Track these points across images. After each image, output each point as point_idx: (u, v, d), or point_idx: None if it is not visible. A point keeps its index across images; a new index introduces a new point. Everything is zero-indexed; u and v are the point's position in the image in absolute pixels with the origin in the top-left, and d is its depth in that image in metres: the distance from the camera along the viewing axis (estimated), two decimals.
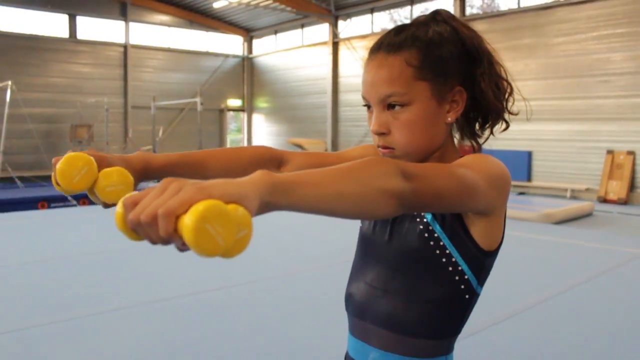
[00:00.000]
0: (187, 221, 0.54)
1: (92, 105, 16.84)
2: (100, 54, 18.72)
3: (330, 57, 18.45)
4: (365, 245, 1.13)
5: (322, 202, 0.68)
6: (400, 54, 0.98)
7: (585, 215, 9.52)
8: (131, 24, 19.26)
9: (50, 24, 17.80)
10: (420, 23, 1.02)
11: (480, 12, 14.61)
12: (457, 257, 0.99)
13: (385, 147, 1.01)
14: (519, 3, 13.46)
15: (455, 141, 1.09)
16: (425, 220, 1.01)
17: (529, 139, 12.83)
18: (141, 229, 0.58)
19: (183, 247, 0.58)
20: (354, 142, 17.42)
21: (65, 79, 17.88)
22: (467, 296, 1.01)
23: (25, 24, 17.27)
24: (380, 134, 1.01)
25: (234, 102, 22.31)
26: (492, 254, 1.02)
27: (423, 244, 1.00)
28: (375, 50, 1.01)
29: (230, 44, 22.17)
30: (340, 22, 18.46)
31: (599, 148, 11.85)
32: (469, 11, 14.73)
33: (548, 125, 12.57)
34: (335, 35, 18.35)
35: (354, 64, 17.30)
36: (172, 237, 0.56)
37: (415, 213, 1.02)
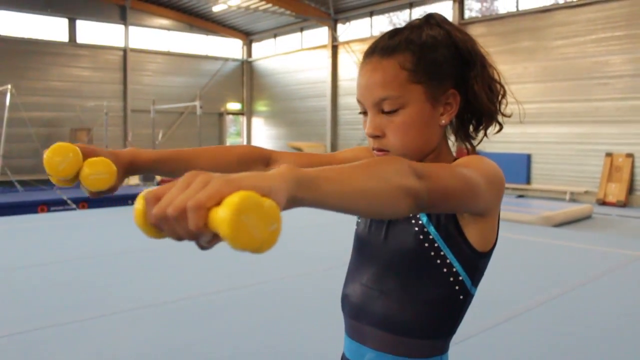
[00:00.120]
0: (223, 213, 0.52)
1: (91, 108, 16.86)
2: (99, 58, 18.76)
3: (329, 61, 18.48)
4: (361, 246, 1.13)
5: (345, 199, 0.67)
6: (394, 58, 0.99)
7: (585, 218, 9.52)
8: (131, 27, 19.30)
9: (50, 28, 17.84)
10: (414, 27, 1.03)
11: (479, 15, 14.64)
12: (451, 258, 1.00)
13: (380, 150, 1.02)
14: (517, 6, 13.49)
15: (450, 144, 1.10)
16: (420, 222, 1.02)
17: (528, 141, 12.86)
18: (166, 224, 0.55)
19: (209, 243, 0.56)
20: (353, 145, 17.37)
21: (65, 82, 17.91)
22: (461, 297, 1.02)
23: (25, 28, 17.30)
24: (375, 137, 1.02)
25: (234, 105, 22.34)
26: (486, 255, 1.03)
27: (418, 246, 1.01)
28: (370, 53, 1.02)
29: (229, 48, 22.21)
30: (340, 26, 18.50)
31: (597, 150, 11.86)
32: (467, 14, 14.76)
33: (547, 128, 12.59)
34: (334, 38, 18.38)
35: (353, 67, 17.33)
36: (201, 231, 0.54)
37: (411, 214, 1.03)
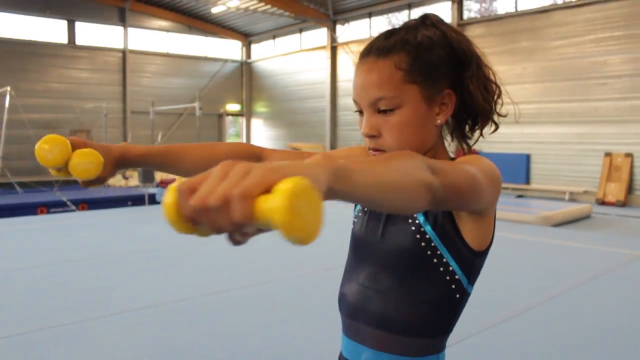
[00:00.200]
0: (277, 200, 0.48)
1: (90, 110, 16.87)
2: (98, 60, 18.76)
3: (328, 62, 18.49)
4: (358, 246, 1.14)
5: (374, 191, 0.65)
6: (390, 58, 0.99)
7: (584, 218, 9.53)
8: (130, 29, 19.31)
9: (49, 30, 17.84)
10: (410, 27, 1.03)
11: (478, 16, 14.65)
12: (448, 257, 1.01)
13: (376, 150, 1.03)
14: (516, 7, 13.50)
15: (447, 144, 1.11)
16: (417, 221, 1.02)
17: (528, 141, 12.87)
18: (206, 216, 0.51)
19: (246, 236, 0.53)
20: (352, 146, 17.42)
21: (64, 84, 17.91)
22: (457, 295, 1.03)
23: (24, 30, 17.31)
24: (371, 137, 1.02)
25: (233, 106, 22.35)
26: (483, 254, 1.03)
27: (415, 245, 1.02)
28: (366, 54, 1.03)
29: (228, 49, 22.22)
30: (339, 27, 18.51)
31: (597, 150, 11.87)
32: (466, 15, 14.77)
33: (546, 128, 12.60)
34: (333, 39, 18.39)
35: (352, 68, 17.00)
36: (248, 222, 0.50)
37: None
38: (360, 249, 1.13)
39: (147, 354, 3.54)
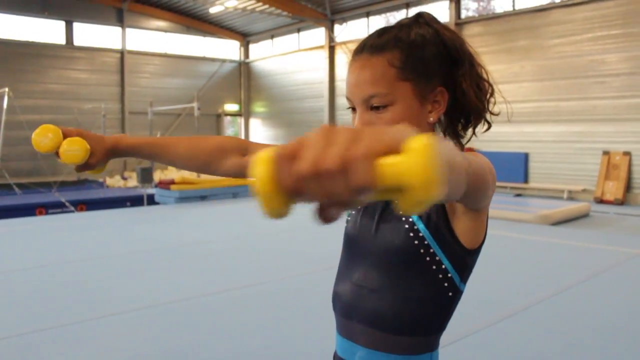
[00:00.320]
0: (414, 158, 0.45)
1: (89, 111, 16.87)
2: (97, 60, 18.75)
3: (326, 61, 18.49)
4: (351, 244, 1.14)
5: (454, 176, 0.60)
6: (383, 55, 0.99)
7: (582, 216, 9.54)
8: (128, 29, 19.30)
9: (47, 31, 17.83)
10: (403, 25, 1.04)
11: (476, 14, 14.65)
12: (440, 255, 1.01)
13: None
14: (514, 5, 13.51)
15: None
16: (410, 219, 1.03)
17: (526, 140, 12.88)
18: (318, 183, 0.45)
19: (347, 207, 0.48)
20: None
21: (62, 85, 17.90)
22: (450, 294, 1.03)
23: (22, 31, 17.30)
24: None
25: (231, 106, 22.35)
26: (475, 252, 1.03)
27: (408, 243, 1.02)
28: (359, 51, 1.03)
29: (227, 49, 22.22)
30: (337, 26, 18.51)
31: (595, 149, 11.88)
32: (464, 14, 14.77)
33: (544, 127, 12.61)
34: (331, 39, 18.40)
35: None
36: (371, 185, 0.45)
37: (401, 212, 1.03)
38: (354, 247, 1.13)
39: (146, 354, 3.54)
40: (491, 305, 4.38)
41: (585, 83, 11.99)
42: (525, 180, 12.99)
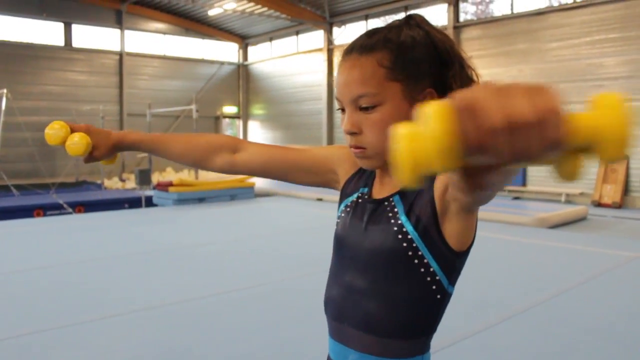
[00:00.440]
0: (614, 115, 0.44)
1: (87, 113, 16.87)
2: (95, 62, 18.76)
3: (325, 64, 18.52)
4: (341, 247, 1.13)
5: None
6: (373, 55, 0.99)
7: (580, 220, 9.54)
8: (126, 31, 19.31)
9: (46, 32, 17.84)
10: (393, 27, 1.04)
11: (475, 18, 14.68)
12: (429, 258, 1.00)
13: (356, 147, 1.03)
14: (512, 9, 13.54)
15: None
16: (399, 221, 1.02)
17: None
18: (510, 137, 0.42)
19: (538, 162, 0.46)
20: None
21: (60, 86, 17.90)
22: (438, 296, 1.02)
23: (21, 32, 17.30)
24: (352, 134, 1.02)
25: (230, 109, 22.35)
26: (463, 255, 1.02)
27: (396, 245, 1.01)
28: (348, 52, 1.03)
29: (225, 51, 22.24)
30: (335, 29, 18.54)
31: None
32: (463, 17, 14.80)
33: None
34: (330, 41, 18.43)
35: None
36: (564, 140, 0.43)
37: (390, 214, 1.03)
38: (343, 250, 1.12)
39: (145, 355, 3.53)
40: (489, 308, 4.37)
41: (583, 86, 12.00)
42: (523, 183, 13.00)
